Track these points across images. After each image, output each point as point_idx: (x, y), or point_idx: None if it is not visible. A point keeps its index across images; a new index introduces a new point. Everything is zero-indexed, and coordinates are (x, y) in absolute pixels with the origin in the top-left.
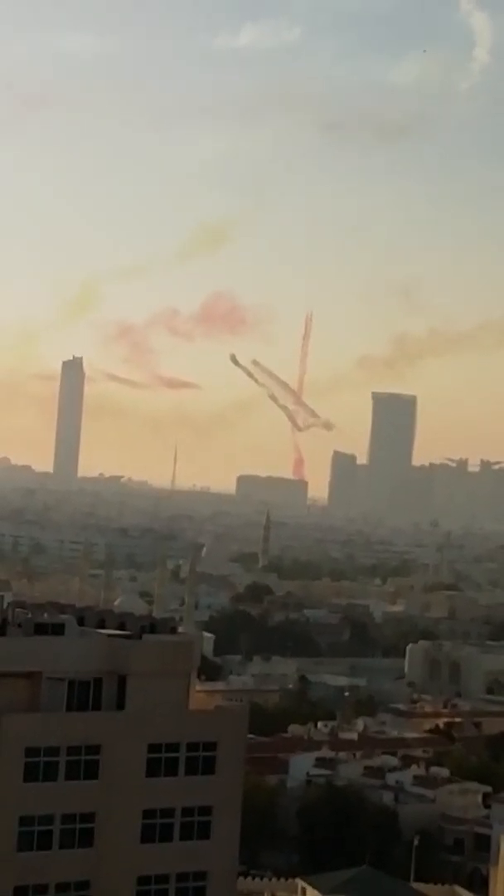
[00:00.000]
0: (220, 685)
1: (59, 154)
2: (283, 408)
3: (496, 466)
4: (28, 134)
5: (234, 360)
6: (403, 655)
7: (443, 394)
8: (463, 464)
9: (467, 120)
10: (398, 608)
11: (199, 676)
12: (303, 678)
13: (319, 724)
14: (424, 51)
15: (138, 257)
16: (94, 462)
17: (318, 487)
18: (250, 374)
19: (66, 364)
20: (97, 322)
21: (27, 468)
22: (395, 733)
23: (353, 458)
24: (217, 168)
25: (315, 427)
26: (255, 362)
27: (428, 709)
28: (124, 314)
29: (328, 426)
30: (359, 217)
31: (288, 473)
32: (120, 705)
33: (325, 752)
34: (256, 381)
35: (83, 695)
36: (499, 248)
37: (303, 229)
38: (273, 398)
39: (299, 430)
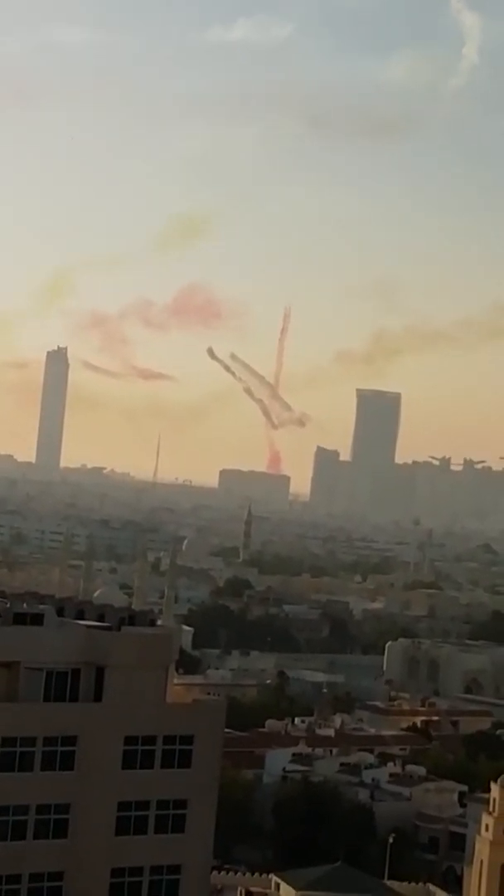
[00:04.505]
0: (198, 679)
1: (39, 144)
2: (259, 401)
3: (478, 465)
4: (8, 123)
5: (211, 353)
6: (382, 653)
7: (422, 390)
8: (446, 462)
9: (453, 119)
10: (378, 605)
11: (177, 670)
12: (281, 673)
13: (297, 719)
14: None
15: (114, 247)
16: (77, 453)
17: (301, 483)
18: (228, 368)
19: (50, 354)
20: (71, 311)
21: (9, 458)
22: (372, 731)
23: (335, 454)
24: (201, 161)
25: (290, 423)
26: (232, 356)
27: (405, 707)
28: (99, 304)
29: (302, 421)
30: (339, 213)
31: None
32: (97, 697)
33: (302, 748)
34: (234, 374)
35: (61, 686)
36: (477, 246)
37: (283, 224)
38: (249, 392)
39: (274, 427)
